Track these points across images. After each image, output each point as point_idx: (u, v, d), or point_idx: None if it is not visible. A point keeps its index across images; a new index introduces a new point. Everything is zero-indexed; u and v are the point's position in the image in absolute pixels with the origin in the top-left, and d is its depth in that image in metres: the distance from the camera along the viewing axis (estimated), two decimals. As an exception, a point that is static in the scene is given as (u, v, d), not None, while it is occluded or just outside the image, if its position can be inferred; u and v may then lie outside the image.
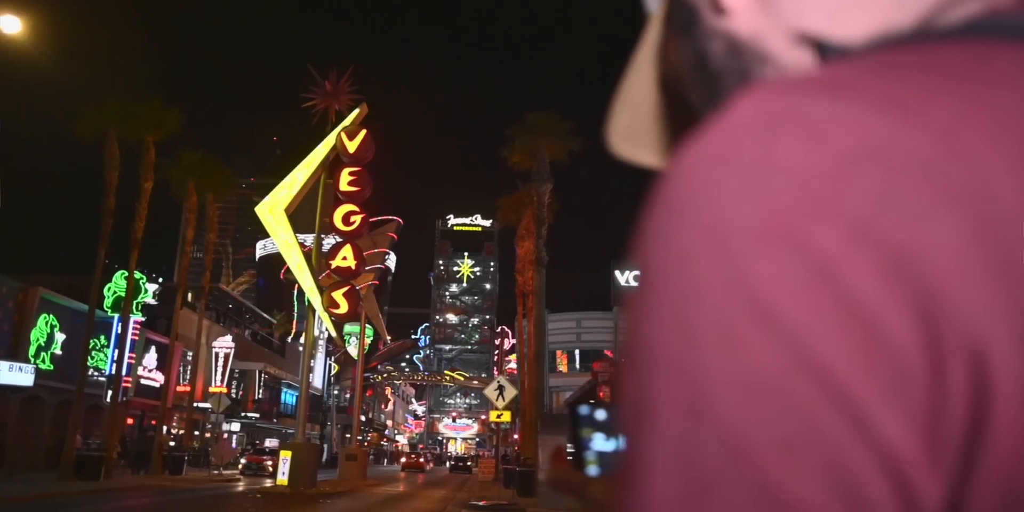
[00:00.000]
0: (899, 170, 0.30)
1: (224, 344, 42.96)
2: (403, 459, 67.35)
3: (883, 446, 0.28)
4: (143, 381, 35.36)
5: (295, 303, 63.95)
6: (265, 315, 59.82)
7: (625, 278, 28.42)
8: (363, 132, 25.55)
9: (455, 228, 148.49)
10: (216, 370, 42.33)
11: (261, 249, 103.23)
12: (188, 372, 37.61)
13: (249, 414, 48.17)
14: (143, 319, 33.24)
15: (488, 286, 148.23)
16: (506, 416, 22.08)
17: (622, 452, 0.31)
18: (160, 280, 37.69)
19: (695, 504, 0.28)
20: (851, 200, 0.30)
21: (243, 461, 34.23)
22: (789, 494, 0.28)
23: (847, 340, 0.29)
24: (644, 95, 0.54)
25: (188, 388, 34.87)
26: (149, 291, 34.52)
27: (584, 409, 0.51)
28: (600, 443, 0.50)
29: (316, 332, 33.85)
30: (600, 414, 0.51)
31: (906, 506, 0.28)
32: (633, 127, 0.55)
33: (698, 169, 0.32)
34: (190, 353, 38.03)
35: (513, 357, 69.68)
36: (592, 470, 0.55)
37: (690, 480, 0.29)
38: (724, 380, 0.29)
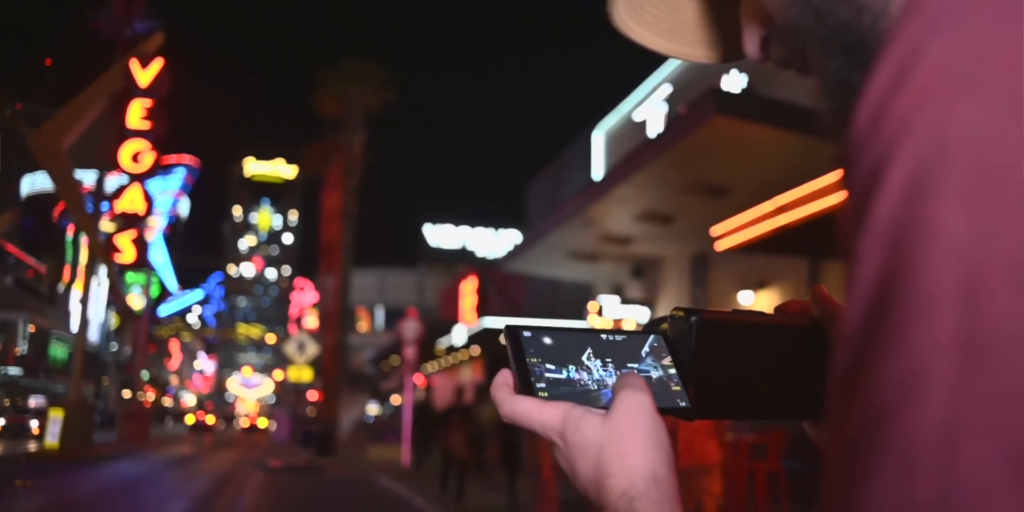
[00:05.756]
0: None
1: (-19, 291, 38.53)
2: (189, 418, 64.33)
3: None
4: None
5: (69, 248, 58.31)
6: (31, 260, 54.17)
7: (433, 237, 28.02)
8: (159, 62, 23.28)
9: (256, 176, 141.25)
10: (-30, 320, 37.96)
11: (29, 186, 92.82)
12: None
13: (10, 370, 43.85)
14: None
15: (289, 237, 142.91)
16: (307, 374, 21.20)
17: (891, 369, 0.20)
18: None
19: None
20: None
21: (1, 422, 30.81)
22: None
23: None
24: None
25: (-66, 340, 31.20)
26: None
27: (528, 333, 0.44)
28: (552, 373, 0.43)
29: (95, 281, 31.00)
30: (547, 339, 0.44)
31: None
32: None
33: None
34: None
35: (314, 311, 67.79)
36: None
37: None
38: None
